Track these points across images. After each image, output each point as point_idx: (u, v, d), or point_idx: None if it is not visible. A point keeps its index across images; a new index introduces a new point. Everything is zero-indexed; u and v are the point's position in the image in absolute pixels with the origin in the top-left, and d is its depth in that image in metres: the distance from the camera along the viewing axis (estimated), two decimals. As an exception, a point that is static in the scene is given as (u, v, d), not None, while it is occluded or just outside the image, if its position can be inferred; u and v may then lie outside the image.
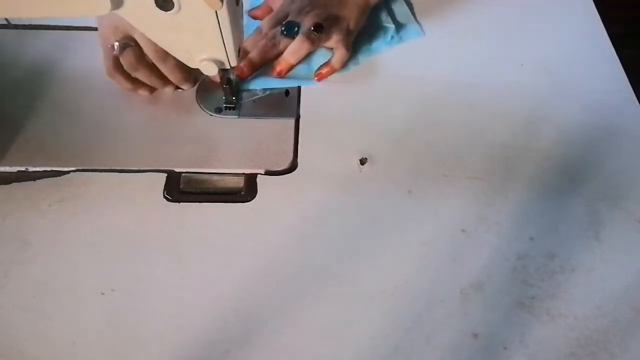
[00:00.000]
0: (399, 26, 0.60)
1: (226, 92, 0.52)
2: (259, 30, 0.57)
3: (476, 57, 0.59)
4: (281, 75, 0.55)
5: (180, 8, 0.40)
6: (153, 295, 0.42)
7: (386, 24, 0.59)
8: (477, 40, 0.60)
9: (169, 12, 0.40)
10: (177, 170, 0.49)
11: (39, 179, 0.48)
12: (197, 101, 0.54)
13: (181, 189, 0.48)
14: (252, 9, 0.61)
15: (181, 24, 0.41)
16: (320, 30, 0.54)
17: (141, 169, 0.49)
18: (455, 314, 0.42)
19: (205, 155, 0.49)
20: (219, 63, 0.46)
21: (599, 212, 0.47)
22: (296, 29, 0.54)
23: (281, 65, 0.55)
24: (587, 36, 0.61)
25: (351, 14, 0.56)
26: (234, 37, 0.43)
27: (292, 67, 0.56)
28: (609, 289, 0.43)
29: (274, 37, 0.55)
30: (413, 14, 0.61)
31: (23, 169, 0.48)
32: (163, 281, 0.43)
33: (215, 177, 0.49)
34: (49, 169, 0.48)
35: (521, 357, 0.40)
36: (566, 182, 0.49)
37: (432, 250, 0.45)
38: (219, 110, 0.53)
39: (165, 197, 0.47)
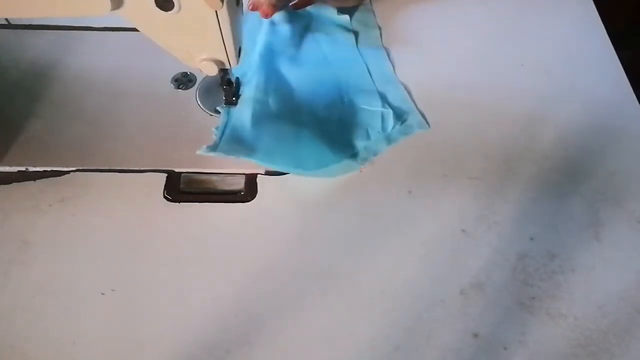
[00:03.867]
0: (400, 112, 0.53)
1: (226, 93, 0.52)
2: None
3: (476, 58, 0.59)
4: (266, 16, 0.55)
5: (180, 8, 0.40)
6: (153, 295, 0.42)
7: (383, 109, 0.53)
8: (477, 40, 0.61)
9: (169, 12, 0.40)
10: (177, 170, 0.49)
11: (39, 179, 0.48)
12: (197, 101, 0.54)
13: (181, 189, 0.48)
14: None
15: (181, 24, 0.41)
16: None
17: (141, 169, 0.49)
18: (455, 314, 0.42)
19: (205, 156, 0.49)
20: (219, 63, 0.46)
21: (599, 212, 0.47)
22: None
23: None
24: (587, 36, 0.61)
25: None
26: (234, 37, 0.43)
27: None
28: (609, 289, 0.43)
29: None
30: (412, 99, 0.54)
31: (23, 169, 0.48)
32: (163, 281, 0.43)
33: (215, 177, 0.49)
34: (49, 169, 0.48)
35: (521, 357, 0.40)
36: (566, 182, 0.49)
37: (432, 250, 0.45)
38: (219, 111, 0.53)
39: (165, 197, 0.47)
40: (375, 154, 0.50)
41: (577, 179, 0.49)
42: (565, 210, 0.47)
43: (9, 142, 0.49)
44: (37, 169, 0.48)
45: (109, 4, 0.38)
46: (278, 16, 0.58)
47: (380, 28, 0.61)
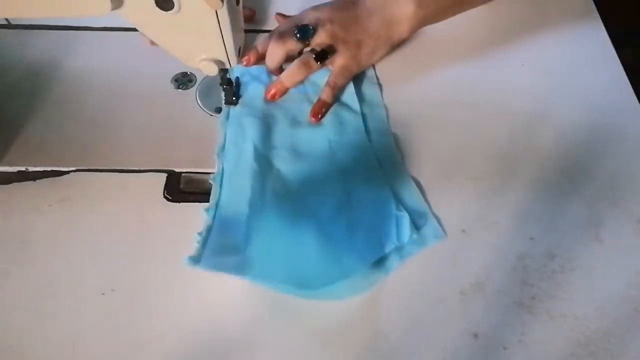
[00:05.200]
0: (414, 217, 0.45)
1: (226, 92, 0.52)
2: (273, 30, 0.56)
3: (476, 57, 0.59)
4: (274, 99, 0.53)
5: (180, 8, 0.40)
6: (153, 295, 0.42)
7: (397, 212, 0.45)
8: (477, 40, 0.60)
9: (169, 12, 0.40)
10: (177, 170, 0.49)
11: (39, 179, 0.48)
12: (197, 101, 0.54)
13: (181, 189, 0.48)
14: (244, 56, 0.55)
15: (181, 24, 0.41)
16: (323, 59, 0.52)
17: (141, 169, 0.49)
18: (455, 314, 0.42)
19: (205, 155, 0.49)
20: (219, 63, 0.46)
21: (599, 212, 0.47)
22: (310, 32, 0.52)
23: (276, 87, 0.53)
24: (587, 36, 0.61)
25: (369, 42, 0.54)
26: (234, 37, 0.43)
27: (287, 91, 0.53)
28: (609, 289, 0.43)
29: (285, 40, 0.52)
30: (426, 199, 0.47)
31: (23, 169, 0.48)
32: (163, 281, 0.43)
33: (215, 177, 0.49)
34: (49, 169, 0.48)
35: (521, 357, 0.40)
36: (566, 182, 0.49)
37: (432, 250, 0.45)
38: (219, 110, 0.53)
39: (165, 197, 0.47)
40: (386, 273, 0.43)
41: (577, 179, 0.49)
42: (565, 210, 0.47)
43: (9, 142, 0.49)
44: (37, 169, 0.48)
45: (109, 4, 0.38)
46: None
47: (386, 108, 0.54)
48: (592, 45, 0.60)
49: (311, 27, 0.52)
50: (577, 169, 0.50)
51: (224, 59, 0.46)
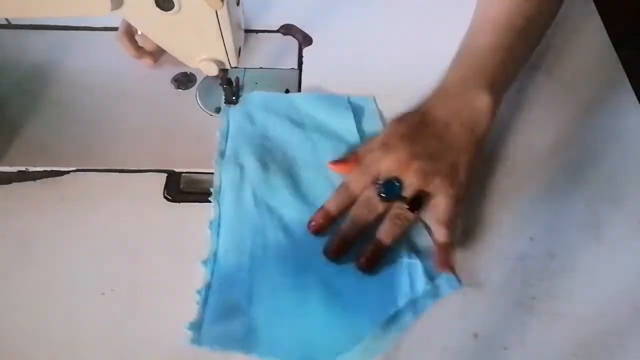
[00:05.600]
0: (427, 264, 0.43)
1: (226, 92, 0.52)
2: (345, 187, 0.44)
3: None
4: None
5: (180, 8, 0.40)
6: (153, 295, 0.42)
7: (409, 260, 0.42)
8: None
9: (169, 12, 0.40)
10: (177, 170, 0.49)
11: (39, 179, 0.48)
12: (197, 101, 0.54)
13: (181, 189, 0.48)
14: (335, 162, 0.46)
15: (181, 24, 0.41)
16: (419, 206, 0.42)
17: (141, 169, 0.49)
18: (455, 314, 0.42)
19: (205, 155, 0.49)
20: (219, 63, 0.46)
21: (599, 212, 0.47)
22: (398, 188, 0.42)
23: (376, 248, 0.42)
24: (587, 36, 0.61)
25: (462, 158, 0.43)
26: (234, 37, 0.43)
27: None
28: (609, 289, 0.43)
29: (369, 203, 0.43)
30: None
31: (23, 169, 0.48)
32: (163, 281, 0.43)
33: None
34: (49, 169, 0.48)
35: (521, 357, 0.40)
36: (566, 182, 0.49)
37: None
38: (219, 110, 0.53)
39: (165, 197, 0.47)
40: (400, 331, 0.40)
41: (577, 178, 0.49)
42: (565, 210, 0.47)
43: (9, 142, 0.49)
44: (37, 169, 0.48)
45: (109, 4, 0.38)
46: (273, 130, 0.50)
47: None
48: (592, 45, 0.60)
49: (397, 183, 0.42)
50: (577, 169, 0.50)
51: (224, 59, 0.46)
